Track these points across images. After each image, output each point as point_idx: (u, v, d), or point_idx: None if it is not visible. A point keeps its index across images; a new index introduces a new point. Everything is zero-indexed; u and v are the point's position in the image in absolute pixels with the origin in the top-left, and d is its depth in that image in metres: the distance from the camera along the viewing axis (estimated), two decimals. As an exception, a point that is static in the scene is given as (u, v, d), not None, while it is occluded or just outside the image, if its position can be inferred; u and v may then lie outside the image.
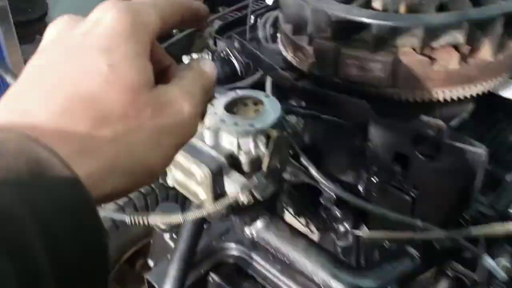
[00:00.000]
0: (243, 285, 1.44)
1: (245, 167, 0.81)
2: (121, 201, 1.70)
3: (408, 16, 0.88)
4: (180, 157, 0.79)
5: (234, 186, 0.79)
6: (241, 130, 0.80)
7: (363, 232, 0.97)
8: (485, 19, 0.88)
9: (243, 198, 0.78)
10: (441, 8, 0.94)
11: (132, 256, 1.82)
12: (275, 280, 1.40)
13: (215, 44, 1.22)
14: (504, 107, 1.07)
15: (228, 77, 1.13)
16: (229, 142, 0.81)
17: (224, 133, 0.81)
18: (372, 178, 1.07)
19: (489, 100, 1.05)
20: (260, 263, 1.43)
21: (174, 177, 0.84)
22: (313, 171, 0.96)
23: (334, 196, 1.09)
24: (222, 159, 0.78)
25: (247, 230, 0.98)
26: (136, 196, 1.72)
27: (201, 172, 0.76)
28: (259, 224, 0.97)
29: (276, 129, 0.82)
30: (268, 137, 0.81)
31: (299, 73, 1.02)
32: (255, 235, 0.98)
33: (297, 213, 1.19)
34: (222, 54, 1.18)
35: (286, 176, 1.19)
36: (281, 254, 0.95)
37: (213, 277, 1.47)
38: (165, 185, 1.82)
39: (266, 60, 1.04)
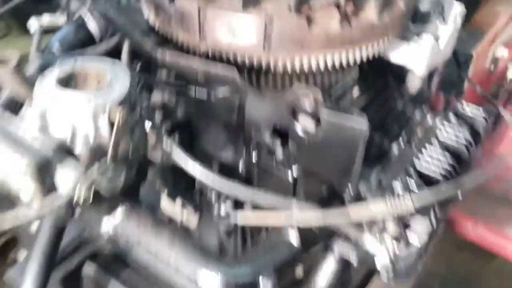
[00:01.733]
0: (123, 274, 1.31)
1: (83, 158, 0.65)
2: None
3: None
4: (7, 149, 0.62)
5: (67, 180, 0.63)
6: (76, 109, 0.64)
7: (240, 216, 0.86)
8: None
9: (81, 194, 0.63)
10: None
11: (3, 246, 1.61)
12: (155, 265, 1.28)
13: (68, 4, 1.03)
14: (392, 70, 1.00)
15: (82, 43, 0.95)
16: (61, 126, 0.65)
17: (55, 115, 0.65)
18: (252, 157, 0.97)
19: (377, 64, 0.97)
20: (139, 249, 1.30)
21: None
22: (176, 155, 0.82)
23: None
24: (50, 149, 0.62)
25: (104, 228, 0.83)
26: None
27: (23, 161, 0.60)
28: (118, 216, 0.82)
29: (125, 105, 0.68)
30: (117, 120, 0.66)
31: (161, 37, 0.87)
32: (111, 231, 0.83)
33: (172, 196, 1.06)
34: (76, 16, 1.00)
35: (156, 155, 1.05)
36: (143, 247, 0.82)
37: (89, 267, 1.32)
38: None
39: (122, 22, 0.88)
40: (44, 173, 0.62)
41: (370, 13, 0.81)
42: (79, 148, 0.64)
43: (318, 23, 0.79)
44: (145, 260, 1.27)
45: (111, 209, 0.84)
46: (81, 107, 0.64)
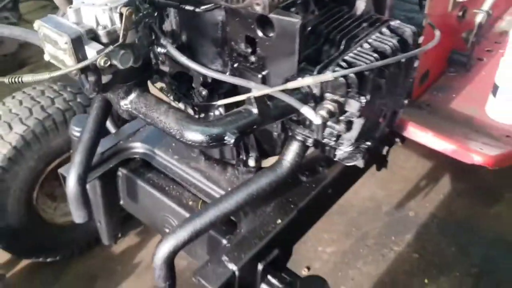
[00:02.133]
0: (148, 175, 1.66)
1: (103, 39, 0.99)
2: (40, 116, 1.87)
3: None
4: (47, 30, 0.97)
5: (92, 52, 0.97)
6: (98, 8, 0.98)
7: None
8: None
9: (101, 61, 0.97)
10: None
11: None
12: (173, 168, 1.62)
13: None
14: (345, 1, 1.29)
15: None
16: (89, 19, 1.00)
17: (84, 11, 0.99)
18: (233, 64, 1.28)
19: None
20: (161, 156, 1.65)
21: (48, 52, 1.02)
22: (175, 53, 1.15)
23: (201, 79, 1.30)
24: (81, 30, 0.97)
25: (122, 103, 1.17)
26: (54, 111, 1.89)
27: (62, 39, 0.95)
28: (131, 96, 1.16)
29: (130, 7, 1.01)
30: (122, 15, 1.00)
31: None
32: (129, 106, 1.17)
33: (176, 99, 1.39)
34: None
35: (165, 68, 1.39)
36: (149, 119, 1.15)
37: (122, 170, 1.68)
38: (82, 103, 2.00)
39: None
40: (77, 46, 0.96)
41: None
42: (101, 32, 0.98)
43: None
44: (164, 165, 1.62)
45: (127, 93, 1.19)
46: (103, 6, 0.98)
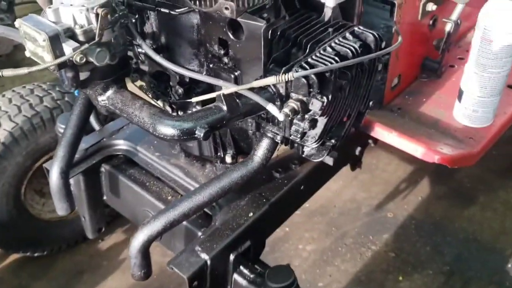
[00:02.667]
0: (130, 171, 1.74)
1: (80, 37, 1.08)
2: (28, 113, 1.95)
3: None
4: (27, 28, 1.06)
5: (69, 49, 1.06)
6: (75, 8, 1.06)
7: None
8: None
9: (77, 57, 1.06)
10: None
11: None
12: (154, 164, 1.70)
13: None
14: (314, 4, 1.37)
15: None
16: (67, 18, 1.08)
17: (62, 11, 1.08)
18: (209, 64, 1.37)
19: (304, 1, 1.36)
20: (143, 153, 1.73)
21: (28, 48, 1.11)
22: (151, 53, 1.23)
23: (177, 78, 1.39)
24: (59, 28, 1.05)
25: (100, 99, 1.26)
26: (42, 109, 1.97)
27: (41, 37, 1.03)
28: (108, 92, 1.25)
29: (106, 8, 1.09)
30: (98, 15, 1.08)
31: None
32: (106, 102, 1.25)
33: (155, 97, 1.48)
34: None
35: (144, 67, 1.47)
36: (125, 114, 1.23)
37: (105, 167, 1.76)
38: (70, 102, 2.08)
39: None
40: (55, 43, 1.04)
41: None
42: (78, 30, 1.06)
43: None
44: (145, 161, 1.70)
45: (105, 90, 1.27)
46: (80, 7, 1.06)
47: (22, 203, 2.10)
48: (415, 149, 1.53)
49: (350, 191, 2.77)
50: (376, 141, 1.88)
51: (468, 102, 1.70)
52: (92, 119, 1.84)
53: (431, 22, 1.86)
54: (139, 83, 1.49)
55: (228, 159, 1.62)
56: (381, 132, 1.58)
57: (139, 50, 1.41)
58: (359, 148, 1.85)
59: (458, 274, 2.33)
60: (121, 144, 1.77)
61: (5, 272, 2.30)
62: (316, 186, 1.76)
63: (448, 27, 1.86)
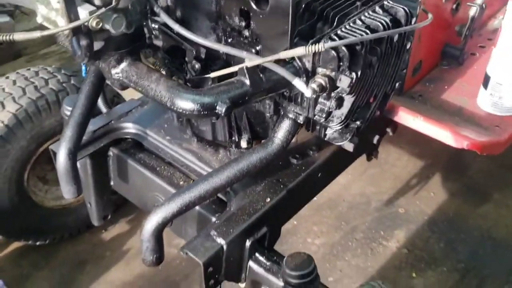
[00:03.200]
0: (139, 156, 1.66)
1: (96, 1, 1.00)
2: (33, 96, 1.87)
3: None
4: (43, -9, 0.98)
5: (85, 12, 0.98)
6: (93, -31, 0.99)
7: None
8: None
9: (93, 22, 0.98)
10: None
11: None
12: (165, 148, 1.63)
13: None
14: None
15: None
16: (83, -20, 1.00)
17: (79, -28, 1.00)
18: (227, 39, 1.29)
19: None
20: (153, 137, 1.66)
21: (40, 13, 1.03)
22: (170, 22, 1.16)
23: (194, 52, 1.31)
24: (75, -10, 0.97)
25: (113, 72, 1.18)
26: (48, 91, 1.90)
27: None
28: (123, 65, 1.17)
29: (124, -28, 1.02)
30: (117, -22, 1.01)
31: None
32: (120, 74, 1.18)
33: (169, 74, 1.40)
34: None
35: (158, 42, 1.39)
36: (140, 87, 1.16)
37: (113, 150, 1.68)
38: (76, 85, 2.00)
39: None
40: (69, 6, 0.97)
41: None
42: (94, -6, 0.99)
43: None
44: (155, 145, 1.62)
45: (119, 62, 1.19)
46: (96, -32, 0.99)
47: (25, 189, 2.02)
48: (443, 134, 1.45)
49: (359, 185, 2.70)
50: (395, 129, 1.81)
51: (494, 89, 1.63)
52: (99, 102, 1.76)
53: (454, 6, 1.79)
54: (151, 60, 1.41)
55: (244, 144, 1.55)
56: (405, 117, 1.51)
57: (153, 25, 1.33)
58: (377, 137, 1.78)
59: (473, 272, 2.25)
60: (130, 128, 1.69)
61: (6, 261, 2.21)
62: (334, 173, 1.69)
63: (473, 11, 1.79)
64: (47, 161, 2.13)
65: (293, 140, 1.43)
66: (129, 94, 1.81)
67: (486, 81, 1.66)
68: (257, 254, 1.37)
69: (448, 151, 2.92)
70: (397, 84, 1.39)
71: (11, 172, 1.91)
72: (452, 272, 2.25)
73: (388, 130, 1.83)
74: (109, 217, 1.85)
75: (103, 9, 1.00)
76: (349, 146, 1.42)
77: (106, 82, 1.53)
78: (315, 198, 2.56)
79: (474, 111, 1.69)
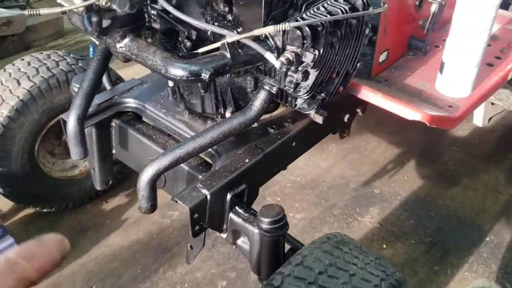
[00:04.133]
0: (138, 126, 1.90)
1: (105, -18, 1.25)
2: (46, 75, 2.12)
3: None
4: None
5: (96, -7, 1.23)
6: (103, -41, 1.24)
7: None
8: None
9: (102, 1, 1.23)
10: None
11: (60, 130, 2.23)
12: (160, 120, 1.87)
13: None
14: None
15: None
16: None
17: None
18: (215, 23, 1.54)
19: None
20: (151, 110, 1.90)
21: (59, -8, 1.28)
22: (165, 4, 1.40)
23: (186, 33, 1.56)
24: (88, -25, 1.22)
25: (118, 46, 1.43)
26: (58, 72, 2.14)
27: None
28: (126, 40, 1.42)
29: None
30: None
31: None
32: (124, 48, 1.42)
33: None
34: None
35: (156, 25, 1.64)
36: (140, 58, 1.40)
37: (115, 121, 1.93)
38: (83, 67, 2.25)
39: None
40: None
41: None
42: (103, -23, 1.23)
43: None
44: (152, 117, 1.86)
45: (123, 38, 1.44)
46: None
47: (35, 159, 2.26)
48: (398, 108, 1.70)
49: (340, 169, 2.94)
50: (364, 109, 2.05)
51: (448, 74, 1.88)
52: (104, 80, 2.00)
53: (417, 2, 2.04)
54: (150, 40, 1.65)
55: (228, 115, 1.79)
56: (367, 94, 1.76)
57: (152, 11, 1.58)
58: (347, 115, 2.02)
59: (439, 244, 2.49)
60: (131, 102, 1.93)
61: (16, 225, 2.45)
62: (307, 144, 1.93)
63: (433, 7, 2.04)
64: (55, 137, 2.38)
65: (270, 114, 1.68)
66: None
67: (441, 67, 1.90)
68: (236, 207, 1.60)
69: (424, 140, 3.18)
70: (358, 64, 1.63)
71: (24, 142, 2.16)
72: (419, 245, 2.49)
73: (358, 110, 2.08)
74: (111, 182, 2.08)
75: (111, -9, 1.24)
76: (318, 119, 1.67)
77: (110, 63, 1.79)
78: (297, 179, 2.83)
79: (432, 93, 1.94)
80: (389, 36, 1.96)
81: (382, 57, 2.02)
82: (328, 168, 2.94)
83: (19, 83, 2.11)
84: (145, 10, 1.58)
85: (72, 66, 2.21)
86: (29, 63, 2.18)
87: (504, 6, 2.64)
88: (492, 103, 3.30)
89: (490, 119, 3.39)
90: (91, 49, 2.11)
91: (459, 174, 2.94)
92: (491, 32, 1.82)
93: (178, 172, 1.72)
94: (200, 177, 1.66)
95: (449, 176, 2.92)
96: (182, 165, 1.63)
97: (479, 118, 3.35)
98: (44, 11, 1.22)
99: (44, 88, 2.11)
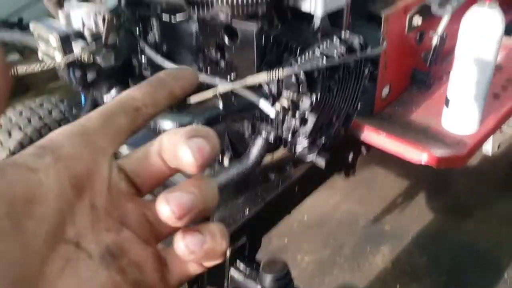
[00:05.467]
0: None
1: (88, 38, 1.19)
2: (38, 125, 2.06)
3: None
4: (41, 29, 1.17)
5: (78, 48, 1.16)
6: (84, 11, 1.18)
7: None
8: None
9: (85, 56, 1.16)
10: None
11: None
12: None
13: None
14: (305, 15, 1.49)
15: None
16: (77, 22, 1.19)
17: (73, 15, 1.19)
18: (207, 69, 1.47)
19: (295, 12, 1.47)
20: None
21: (41, 50, 1.22)
22: (152, 55, 1.34)
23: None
24: (69, 30, 1.16)
25: (105, 99, 1.36)
26: (51, 121, 2.08)
27: (53, 37, 1.14)
28: (113, 92, 1.35)
29: (112, 13, 1.20)
30: (105, 19, 1.19)
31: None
32: (109, 100, 1.35)
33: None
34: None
35: (146, 72, 1.57)
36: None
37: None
38: (76, 115, 2.19)
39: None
40: (65, 43, 1.15)
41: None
42: (86, 32, 1.17)
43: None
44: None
45: (109, 90, 1.37)
46: (88, 11, 1.18)
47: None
48: (403, 149, 1.61)
49: (348, 205, 2.84)
50: (368, 148, 1.97)
51: (454, 109, 1.79)
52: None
53: (418, 36, 1.97)
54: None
55: (226, 161, 1.71)
56: (370, 135, 1.67)
57: (142, 58, 1.52)
58: (351, 155, 1.93)
59: (455, 282, 2.37)
60: (124, 150, 1.86)
61: None
62: (310, 188, 1.84)
63: (435, 40, 1.97)
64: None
65: (271, 157, 1.59)
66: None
67: (447, 102, 1.82)
68: (237, 262, 1.51)
69: (432, 171, 3.07)
70: (359, 106, 1.55)
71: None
72: (435, 284, 2.37)
73: (363, 149, 1.99)
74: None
75: (93, 45, 1.18)
76: (321, 162, 1.58)
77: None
78: (304, 217, 2.73)
79: (438, 129, 1.85)
80: (390, 71, 1.89)
81: (384, 93, 1.94)
82: (336, 205, 2.83)
83: (10, 135, 2.04)
84: (134, 57, 1.52)
85: (65, 114, 2.15)
86: (21, 113, 2.12)
87: (508, 31, 2.58)
88: (500, 131, 3.21)
89: (499, 146, 3.29)
90: (83, 97, 2.05)
91: (471, 206, 2.83)
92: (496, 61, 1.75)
93: (175, 225, 1.63)
94: (198, 230, 1.57)
95: (460, 208, 2.81)
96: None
97: (488, 146, 3.25)
98: (21, 68, 1.15)
99: (35, 139, 2.05)
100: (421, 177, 3.03)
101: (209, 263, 0.43)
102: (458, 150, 1.73)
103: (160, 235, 0.41)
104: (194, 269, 0.43)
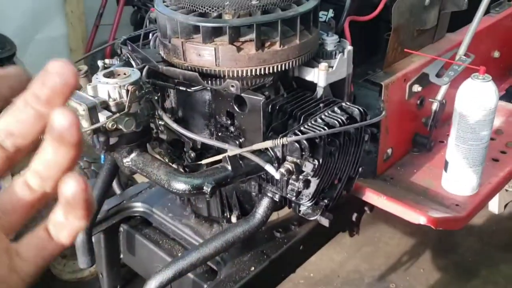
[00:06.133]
0: (145, 231, 1.92)
1: (113, 108, 1.32)
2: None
3: (220, 20, 1.43)
4: (71, 101, 1.30)
5: (103, 117, 1.29)
6: (110, 85, 1.32)
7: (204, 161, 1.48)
8: (270, 21, 1.42)
9: (109, 124, 1.29)
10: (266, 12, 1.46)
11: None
12: (167, 224, 1.89)
13: (121, 51, 1.74)
14: (308, 84, 1.62)
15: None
16: (103, 93, 1.33)
17: (100, 88, 1.33)
18: (218, 133, 1.60)
19: (299, 82, 1.61)
20: (158, 214, 1.93)
21: (70, 116, 1.35)
22: (169, 122, 1.47)
23: (190, 144, 1.61)
24: (96, 101, 1.29)
25: (125, 161, 1.48)
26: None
27: (81, 107, 1.27)
28: (132, 155, 1.47)
29: (135, 86, 1.34)
30: (128, 91, 1.33)
31: (166, 63, 1.55)
32: (130, 163, 1.47)
33: (171, 161, 1.69)
34: (124, 57, 1.71)
35: (163, 136, 1.70)
36: (145, 173, 1.45)
37: (123, 226, 1.95)
38: (96, 171, 2.31)
39: (145, 55, 1.58)
40: (92, 113, 1.28)
41: (276, 44, 1.45)
42: (111, 103, 1.31)
43: (244, 49, 1.44)
44: (159, 221, 1.89)
45: (129, 153, 1.49)
46: (114, 84, 1.32)
47: (45, 263, 2.26)
48: (402, 211, 1.69)
49: (354, 262, 2.88)
50: (372, 208, 2.05)
51: (452, 173, 1.88)
52: (114, 184, 2.05)
53: (418, 102, 2.10)
54: (157, 150, 1.71)
55: (234, 219, 1.80)
56: (371, 197, 1.76)
57: (159, 122, 1.65)
58: (355, 214, 2.02)
59: None
60: (138, 206, 1.97)
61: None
62: (315, 247, 1.91)
63: (434, 106, 2.09)
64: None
65: (277, 216, 1.69)
66: (142, 178, 2.10)
67: (446, 165, 1.91)
68: (243, 318, 1.58)
69: (439, 230, 3.12)
70: (360, 169, 1.65)
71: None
72: None
73: (366, 209, 2.08)
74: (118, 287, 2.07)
75: (117, 114, 1.31)
76: (325, 222, 1.67)
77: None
78: (311, 274, 2.77)
79: (438, 191, 1.93)
80: (392, 135, 2.00)
81: (386, 155, 2.04)
82: (342, 262, 2.88)
83: (32, 189, 2.16)
84: (152, 121, 1.65)
85: (85, 170, 2.28)
86: (43, 168, 2.25)
87: (507, 97, 2.70)
88: (507, 190, 3.27)
89: (506, 205, 3.34)
90: (102, 157, 2.19)
91: (477, 265, 2.86)
92: (494, 126, 1.85)
93: (183, 280, 1.71)
94: (205, 286, 1.65)
95: (467, 268, 2.84)
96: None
97: (494, 205, 3.30)
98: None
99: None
100: (427, 235, 3.08)
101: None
102: (457, 212, 1.80)
103: (9, 227, 0.42)
104: (52, 248, 0.44)
